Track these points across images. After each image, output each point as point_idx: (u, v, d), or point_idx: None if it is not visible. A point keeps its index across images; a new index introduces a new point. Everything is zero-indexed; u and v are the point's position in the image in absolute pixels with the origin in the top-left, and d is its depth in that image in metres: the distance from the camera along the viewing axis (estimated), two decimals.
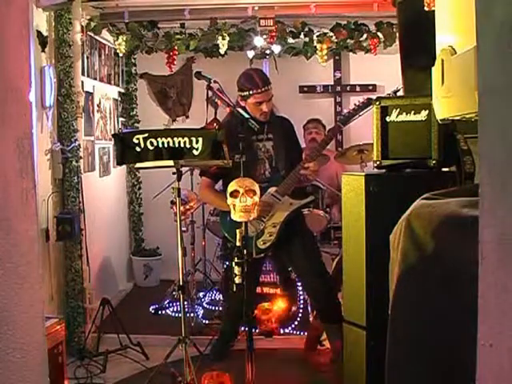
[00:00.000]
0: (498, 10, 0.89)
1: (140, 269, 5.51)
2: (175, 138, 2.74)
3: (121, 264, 5.41)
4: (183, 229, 3.83)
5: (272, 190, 3.24)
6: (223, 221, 3.36)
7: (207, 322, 4.24)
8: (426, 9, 3.11)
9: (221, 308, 4.38)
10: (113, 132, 5.04)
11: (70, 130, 3.81)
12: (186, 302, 3.01)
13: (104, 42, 4.86)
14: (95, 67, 4.65)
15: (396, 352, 1.64)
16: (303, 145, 4.23)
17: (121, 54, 4.92)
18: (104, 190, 4.95)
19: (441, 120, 1.93)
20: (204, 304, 4.66)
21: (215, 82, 3.02)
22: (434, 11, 2.26)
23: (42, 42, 3.53)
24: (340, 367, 2.69)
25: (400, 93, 3.32)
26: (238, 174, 2.80)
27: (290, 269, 4.00)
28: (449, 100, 1.74)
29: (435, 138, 2.40)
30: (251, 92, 3.18)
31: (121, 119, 5.48)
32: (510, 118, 0.86)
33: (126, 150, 2.76)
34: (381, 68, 5.07)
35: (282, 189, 3.24)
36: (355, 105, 3.27)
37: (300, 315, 4.04)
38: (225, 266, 4.40)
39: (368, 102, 3.16)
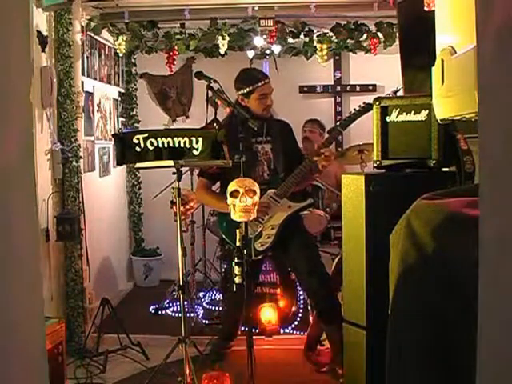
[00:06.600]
0: (498, 9, 0.89)
1: (140, 269, 5.51)
2: (175, 138, 2.74)
3: (121, 264, 5.41)
4: (183, 229, 3.83)
5: (271, 192, 3.24)
6: (220, 222, 3.36)
7: (207, 321, 4.24)
8: (425, 9, 3.11)
9: (221, 308, 4.38)
10: (113, 132, 5.04)
11: (70, 130, 3.81)
12: (186, 302, 3.02)
13: (104, 41, 4.86)
14: (95, 67, 4.65)
15: (396, 352, 1.64)
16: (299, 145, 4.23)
17: (121, 54, 4.92)
18: (104, 190, 4.95)
19: (441, 120, 1.92)
20: (204, 304, 4.66)
21: (215, 81, 3.02)
22: (433, 11, 2.26)
23: (42, 42, 3.53)
24: (340, 367, 2.69)
25: (400, 93, 3.32)
26: (237, 175, 2.79)
27: (289, 269, 4.00)
28: (449, 100, 1.74)
29: (435, 138, 2.40)
30: (254, 86, 3.19)
31: (121, 119, 5.48)
32: (510, 118, 0.86)
33: (126, 150, 2.76)
34: (381, 68, 5.07)
35: (280, 191, 3.23)
36: (355, 109, 3.26)
37: (300, 315, 4.04)
38: (224, 267, 4.40)
39: (368, 107, 3.16)
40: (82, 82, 4.11)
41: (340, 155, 4.27)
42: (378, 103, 2.51)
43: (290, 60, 5.25)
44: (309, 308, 4.01)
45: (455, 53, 1.70)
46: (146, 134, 2.75)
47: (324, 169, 3.19)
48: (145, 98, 5.75)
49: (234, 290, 2.69)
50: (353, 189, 2.49)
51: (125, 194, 5.68)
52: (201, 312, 4.46)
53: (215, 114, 3.32)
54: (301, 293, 4.04)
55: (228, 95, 3.10)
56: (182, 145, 2.73)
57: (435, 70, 1.84)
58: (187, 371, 2.81)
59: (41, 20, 3.59)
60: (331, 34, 4.61)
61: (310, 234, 3.64)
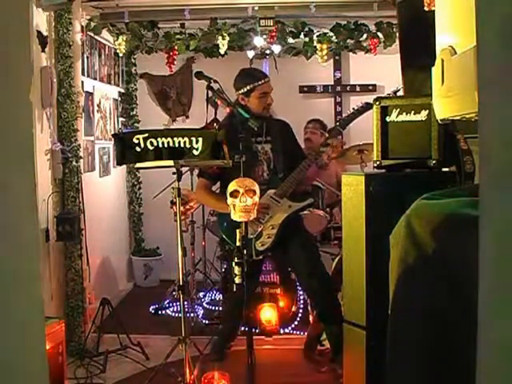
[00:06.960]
0: (498, 9, 0.89)
1: (140, 269, 5.52)
2: (175, 138, 2.74)
3: (121, 264, 5.41)
4: (183, 229, 3.83)
5: (270, 192, 3.24)
6: (220, 222, 3.36)
7: (207, 321, 4.24)
8: (425, 9, 3.11)
9: (221, 308, 4.38)
10: (113, 132, 5.04)
11: (70, 130, 3.81)
12: (186, 302, 3.01)
13: (104, 41, 4.86)
14: (95, 67, 4.65)
15: (396, 352, 1.64)
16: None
17: (121, 54, 4.92)
18: (104, 190, 4.95)
19: (441, 120, 1.92)
20: (204, 304, 4.66)
21: (215, 81, 3.02)
22: (433, 11, 2.26)
23: (42, 42, 3.53)
24: (340, 367, 2.69)
25: (400, 93, 3.32)
26: (237, 175, 2.79)
27: (289, 269, 4.00)
28: (449, 100, 1.74)
29: (435, 138, 2.40)
30: (255, 85, 3.20)
31: (121, 119, 5.48)
32: (510, 118, 0.86)
33: (126, 150, 2.76)
34: (381, 68, 5.07)
35: (280, 191, 3.23)
36: (354, 109, 3.26)
37: (300, 315, 4.05)
38: (224, 267, 4.40)
39: (367, 106, 3.16)
40: (82, 82, 4.11)
41: (340, 155, 4.27)
42: (377, 103, 2.51)
43: (290, 60, 5.25)
44: (309, 308, 4.01)
45: (455, 53, 1.70)
46: (146, 134, 2.75)
47: (330, 161, 3.20)
48: (145, 98, 5.75)
49: (234, 290, 2.69)
50: (353, 189, 2.49)
51: (125, 194, 5.68)
52: (201, 312, 4.46)
53: (215, 114, 3.33)
54: (301, 293, 4.04)
55: (228, 95, 3.10)
56: (182, 145, 2.73)
57: (435, 70, 1.84)
58: (187, 371, 2.81)
59: (41, 20, 3.58)
60: (331, 34, 4.61)
61: (309, 234, 3.64)
